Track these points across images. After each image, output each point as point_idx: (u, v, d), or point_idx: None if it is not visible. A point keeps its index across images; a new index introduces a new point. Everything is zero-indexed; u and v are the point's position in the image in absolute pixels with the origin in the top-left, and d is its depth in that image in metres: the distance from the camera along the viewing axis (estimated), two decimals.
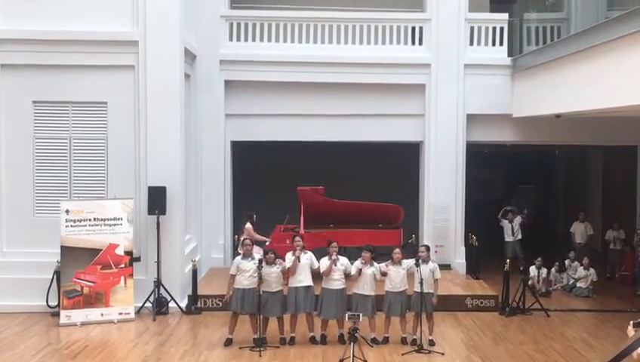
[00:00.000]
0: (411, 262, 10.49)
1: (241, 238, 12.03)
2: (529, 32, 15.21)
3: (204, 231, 14.72)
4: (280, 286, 10.37)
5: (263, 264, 10.19)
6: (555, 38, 13.96)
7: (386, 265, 10.52)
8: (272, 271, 10.25)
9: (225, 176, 14.94)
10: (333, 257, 10.29)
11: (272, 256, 10.36)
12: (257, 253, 11.06)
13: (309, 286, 10.37)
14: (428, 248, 10.77)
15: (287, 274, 10.44)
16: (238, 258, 10.56)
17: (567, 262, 14.66)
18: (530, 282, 13.23)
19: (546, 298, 13.50)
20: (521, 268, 13.16)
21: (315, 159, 16.03)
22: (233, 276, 10.34)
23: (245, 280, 10.22)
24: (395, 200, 14.31)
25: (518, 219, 15.36)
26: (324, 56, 14.63)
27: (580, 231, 15.73)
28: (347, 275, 10.42)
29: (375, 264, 10.50)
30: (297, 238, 10.53)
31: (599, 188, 19.45)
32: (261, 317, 10.15)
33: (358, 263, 10.43)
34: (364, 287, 10.36)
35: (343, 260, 10.51)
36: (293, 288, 10.35)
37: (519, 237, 15.27)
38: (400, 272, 10.43)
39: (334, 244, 10.45)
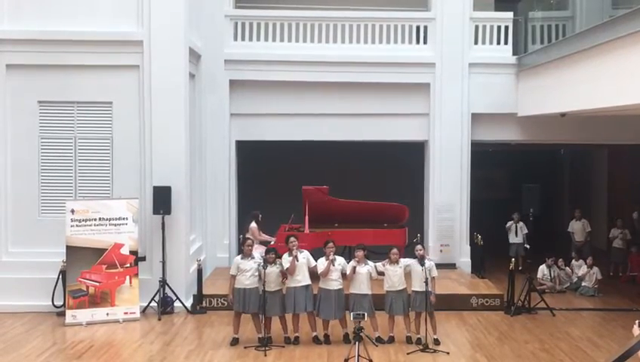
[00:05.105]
0: (410, 261, 10.50)
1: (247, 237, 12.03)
2: (534, 31, 15.16)
3: (209, 231, 14.74)
4: (279, 286, 10.37)
5: (268, 263, 10.22)
6: (560, 37, 13.91)
7: (383, 265, 10.55)
8: (272, 271, 10.24)
9: (230, 175, 14.96)
10: (331, 257, 10.28)
11: (273, 255, 10.37)
12: (257, 250, 11.06)
13: (307, 286, 10.38)
14: (423, 246, 10.84)
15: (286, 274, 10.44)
16: (238, 258, 10.54)
17: (572, 261, 14.63)
18: (540, 286, 13.26)
19: (561, 294, 13.58)
20: (520, 268, 13.13)
21: (320, 158, 16.01)
22: (233, 276, 10.34)
23: (246, 279, 10.23)
24: (399, 199, 14.30)
25: (521, 225, 15.28)
26: (329, 55, 14.64)
27: (578, 229, 15.69)
28: (344, 275, 10.43)
29: (369, 262, 10.51)
30: (292, 239, 10.50)
31: (604, 187, 19.40)
32: (264, 316, 10.16)
33: (352, 262, 10.45)
34: (361, 287, 10.35)
35: (340, 260, 10.49)
36: (292, 288, 10.35)
37: (521, 240, 15.18)
38: (398, 271, 10.45)
39: (331, 244, 10.44)
